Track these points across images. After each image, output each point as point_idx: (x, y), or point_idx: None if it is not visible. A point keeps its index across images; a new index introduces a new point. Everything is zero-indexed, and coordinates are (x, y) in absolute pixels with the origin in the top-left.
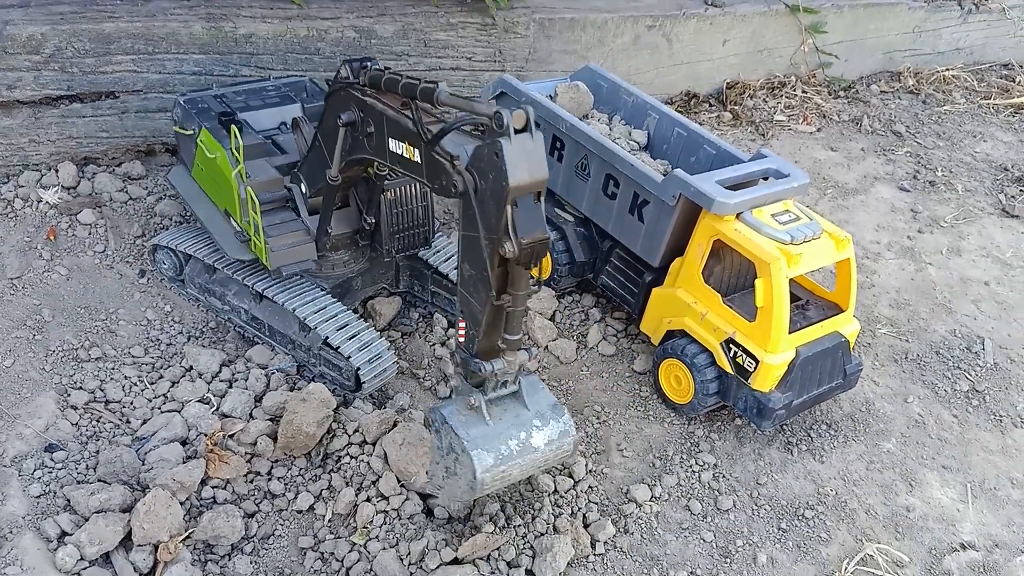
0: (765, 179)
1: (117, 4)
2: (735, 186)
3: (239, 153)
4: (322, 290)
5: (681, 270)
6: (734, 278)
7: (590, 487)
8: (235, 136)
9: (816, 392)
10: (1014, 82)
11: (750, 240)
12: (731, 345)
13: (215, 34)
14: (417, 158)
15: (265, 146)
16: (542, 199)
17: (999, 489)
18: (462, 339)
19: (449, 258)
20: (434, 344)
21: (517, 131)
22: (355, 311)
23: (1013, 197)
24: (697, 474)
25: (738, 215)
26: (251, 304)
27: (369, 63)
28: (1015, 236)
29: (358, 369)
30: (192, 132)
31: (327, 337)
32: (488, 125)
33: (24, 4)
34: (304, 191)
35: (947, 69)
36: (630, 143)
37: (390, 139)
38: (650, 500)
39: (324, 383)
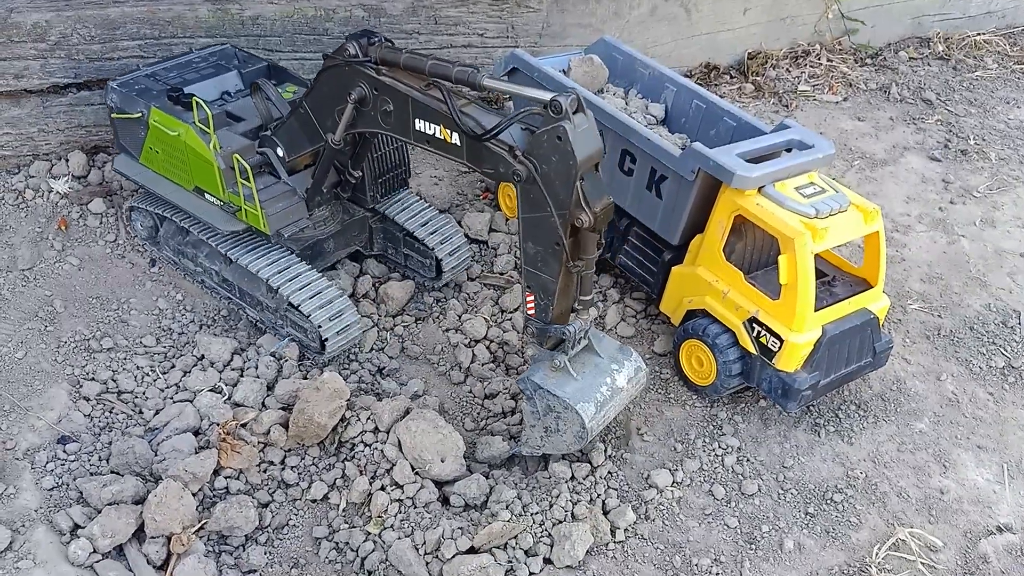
0: (788, 151)
1: None
2: (757, 159)
3: (208, 126)
4: (291, 252)
5: (701, 248)
6: (756, 255)
7: (609, 473)
8: (201, 108)
9: (844, 371)
10: None
11: (773, 215)
12: (754, 324)
13: (221, 16)
14: (455, 140)
15: (221, 116)
16: (599, 168)
17: None
18: (532, 312)
19: (425, 221)
20: (448, 330)
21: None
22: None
23: None
24: (720, 458)
25: (760, 189)
26: (222, 266)
27: (375, 39)
28: None
29: (320, 327)
30: (140, 114)
31: (290, 298)
32: (544, 112)
33: None
34: (281, 154)
35: (978, 34)
36: (647, 117)
37: (416, 119)
38: (671, 485)
39: (295, 343)
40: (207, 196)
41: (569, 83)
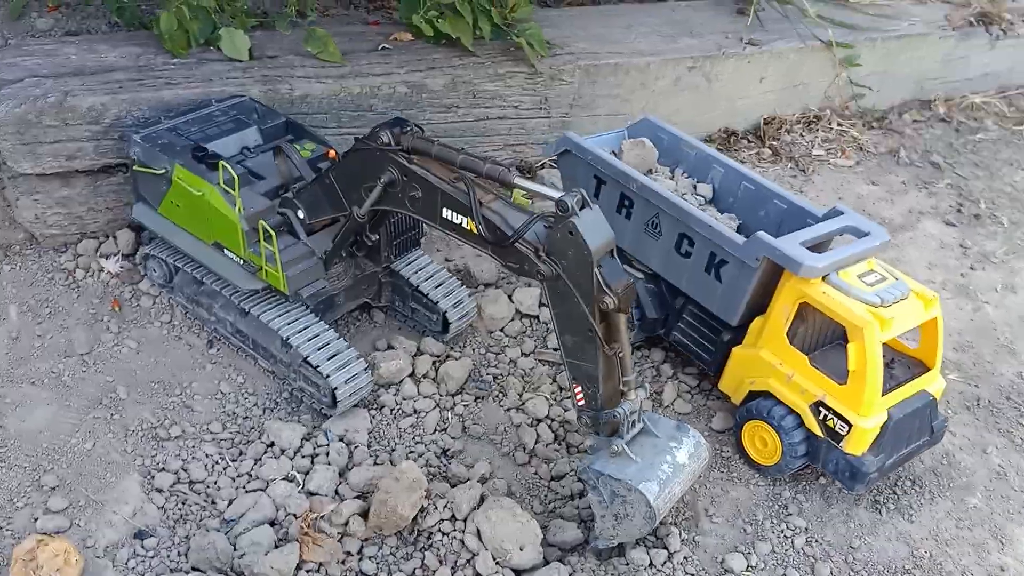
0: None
1: (171, 68)
2: (814, 246)
3: (234, 188)
4: (305, 308)
5: (764, 330)
6: (815, 336)
7: (685, 558)
8: (229, 173)
9: (906, 451)
10: None
11: (840, 304)
12: (821, 408)
13: (272, 96)
14: (479, 231)
15: (243, 174)
16: (615, 254)
17: None
18: (582, 402)
19: (430, 277)
20: (509, 409)
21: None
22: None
23: None
24: (790, 539)
25: (824, 277)
26: (236, 317)
27: (408, 128)
28: None
29: (335, 388)
30: (164, 171)
31: (307, 355)
32: (554, 211)
33: (79, 72)
34: (301, 216)
35: (975, 94)
36: (696, 197)
37: (444, 208)
38: (746, 570)
39: (303, 397)
40: (226, 252)
41: (621, 166)
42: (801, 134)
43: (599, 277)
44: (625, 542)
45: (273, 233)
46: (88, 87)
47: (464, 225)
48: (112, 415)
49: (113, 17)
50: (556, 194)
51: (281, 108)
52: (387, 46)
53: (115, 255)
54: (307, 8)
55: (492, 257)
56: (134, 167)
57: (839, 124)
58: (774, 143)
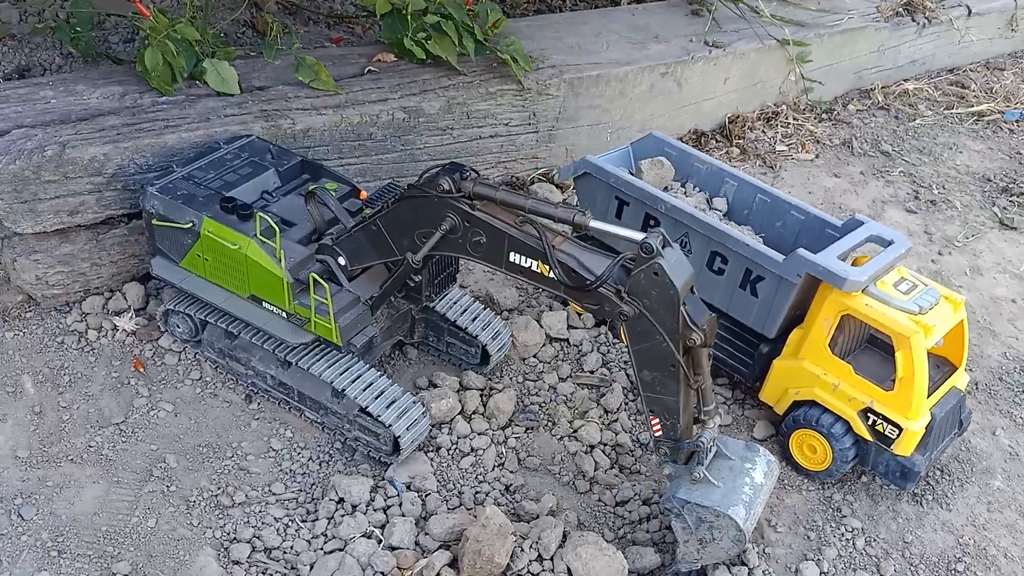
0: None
1: (163, 107)
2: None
3: (275, 240)
4: (352, 355)
5: (805, 342)
6: (850, 342)
7: (764, 572)
8: (268, 224)
9: (943, 445)
10: (966, 88)
11: (884, 315)
12: (870, 414)
13: (275, 132)
14: (551, 274)
15: (277, 223)
16: (695, 290)
17: None
18: (659, 433)
19: (465, 310)
20: (561, 438)
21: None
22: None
23: (1006, 208)
24: (851, 541)
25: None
26: (278, 371)
27: (467, 173)
28: (1020, 248)
29: (398, 437)
30: (191, 224)
31: (365, 405)
32: (635, 251)
33: (65, 120)
34: (343, 263)
35: (907, 81)
36: (712, 211)
37: (511, 252)
38: None
39: (358, 447)
40: (265, 305)
41: (648, 187)
42: (763, 131)
43: (685, 314)
44: (708, 564)
45: (326, 286)
46: (84, 136)
47: (534, 268)
48: (168, 487)
49: (68, 48)
50: (639, 236)
51: (283, 143)
52: (373, 68)
53: (127, 311)
54: (291, 36)
55: (566, 298)
56: (152, 221)
57: (795, 119)
58: (740, 141)
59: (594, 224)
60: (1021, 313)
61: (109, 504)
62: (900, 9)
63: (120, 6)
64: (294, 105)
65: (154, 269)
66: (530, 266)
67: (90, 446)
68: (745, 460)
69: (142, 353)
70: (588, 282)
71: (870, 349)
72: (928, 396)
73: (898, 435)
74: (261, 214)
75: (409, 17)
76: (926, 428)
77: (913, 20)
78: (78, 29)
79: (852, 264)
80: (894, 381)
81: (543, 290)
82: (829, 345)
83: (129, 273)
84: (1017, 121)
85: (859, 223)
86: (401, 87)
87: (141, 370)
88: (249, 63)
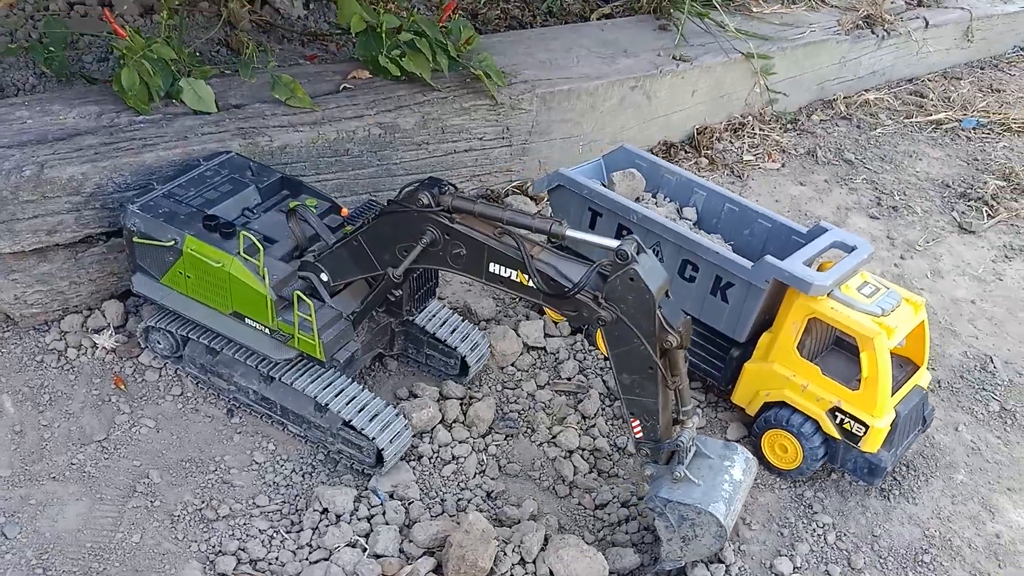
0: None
1: (140, 126)
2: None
3: (259, 260)
4: (334, 370)
5: (773, 345)
6: (816, 344)
7: (740, 568)
8: (254, 244)
9: (907, 442)
10: (924, 97)
11: (848, 317)
12: (837, 413)
13: (252, 149)
14: (530, 283)
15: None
16: (669, 294)
17: None
18: (640, 435)
19: (444, 323)
20: (541, 444)
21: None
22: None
23: (964, 213)
24: (823, 536)
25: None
26: (260, 385)
27: (445, 188)
28: (978, 252)
29: (382, 449)
30: (173, 242)
31: (349, 419)
32: (611, 258)
33: (42, 140)
34: (325, 279)
35: (868, 91)
36: (682, 221)
37: (491, 263)
38: (793, 572)
39: (341, 459)
40: (248, 321)
41: (620, 199)
42: (730, 141)
43: (661, 317)
44: (690, 562)
45: (311, 303)
46: (62, 156)
47: (513, 278)
48: (152, 502)
49: (41, 68)
50: (614, 243)
51: (261, 160)
52: (348, 86)
53: (106, 329)
54: (267, 54)
55: (545, 306)
56: (133, 239)
57: (761, 129)
58: (709, 152)
59: (571, 233)
60: (980, 313)
61: (93, 521)
62: (860, 22)
63: (94, 26)
64: (271, 122)
65: (135, 286)
66: (509, 276)
67: (72, 463)
68: (724, 458)
69: (122, 370)
70: (566, 289)
71: (837, 351)
72: (892, 394)
73: (865, 432)
74: (245, 232)
75: (384, 35)
76: (891, 425)
77: (873, 33)
78: (51, 49)
79: (817, 270)
80: (859, 381)
81: (522, 299)
82: (797, 348)
83: (108, 291)
84: (974, 128)
85: (823, 230)
86: (376, 103)
87: (122, 387)
88: (225, 81)
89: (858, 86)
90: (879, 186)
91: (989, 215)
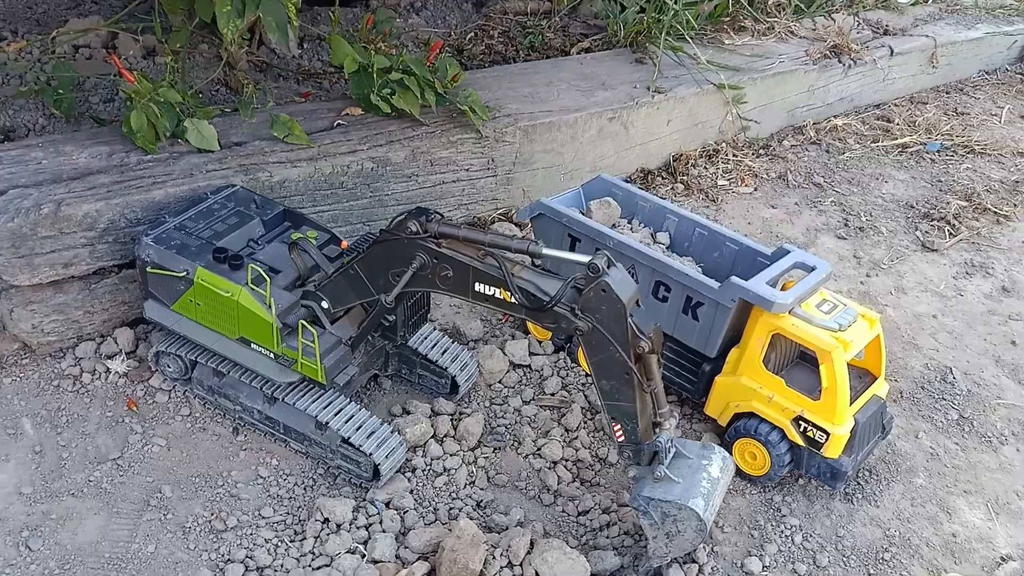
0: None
1: (148, 165)
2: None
3: (266, 290)
4: (333, 391)
5: (741, 360)
6: (781, 358)
7: (712, 568)
8: (261, 275)
9: (867, 448)
10: (890, 122)
11: (807, 332)
12: (801, 421)
13: (253, 184)
14: (512, 299)
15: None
16: (640, 304)
17: (1011, 503)
18: (621, 438)
19: (435, 345)
20: (527, 456)
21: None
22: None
23: (927, 232)
24: (790, 537)
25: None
26: (264, 406)
27: (432, 216)
28: (940, 269)
29: (379, 464)
30: (184, 273)
31: (348, 436)
32: (584, 273)
33: (57, 180)
34: (326, 307)
35: (836, 117)
36: (656, 245)
37: (476, 283)
38: (763, 571)
39: (340, 473)
40: (254, 346)
41: (597, 226)
42: (705, 167)
43: (633, 325)
44: (668, 562)
45: (314, 332)
46: (77, 194)
47: (497, 295)
48: (165, 515)
49: (51, 109)
50: (585, 259)
51: (263, 194)
52: (342, 122)
53: (119, 355)
54: (266, 94)
55: (527, 320)
56: (147, 268)
57: (734, 155)
58: (684, 178)
59: (546, 252)
60: (941, 327)
61: (110, 533)
62: (827, 52)
63: (99, 68)
64: (270, 159)
65: (147, 312)
66: (493, 293)
67: (89, 480)
68: (702, 458)
69: (134, 393)
70: (545, 303)
71: (801, 364)
72: (851, 403)
73: (826, 439)
74: (252, 264)
75: (375, 74)
76: (851, 432)
77: (840, 62)
78: (60, 92)
79: (780, 289)
80: (821, 391)
81: (507, 316)
82: (763, 362)
83: (120, 319)
84: (938, 151)
85: (786, 251)
86: (369, 139)
87: (134, 409)
88: (226, 120)
89: (827, 112)
90: (847, 208)
91: (951, 234)
